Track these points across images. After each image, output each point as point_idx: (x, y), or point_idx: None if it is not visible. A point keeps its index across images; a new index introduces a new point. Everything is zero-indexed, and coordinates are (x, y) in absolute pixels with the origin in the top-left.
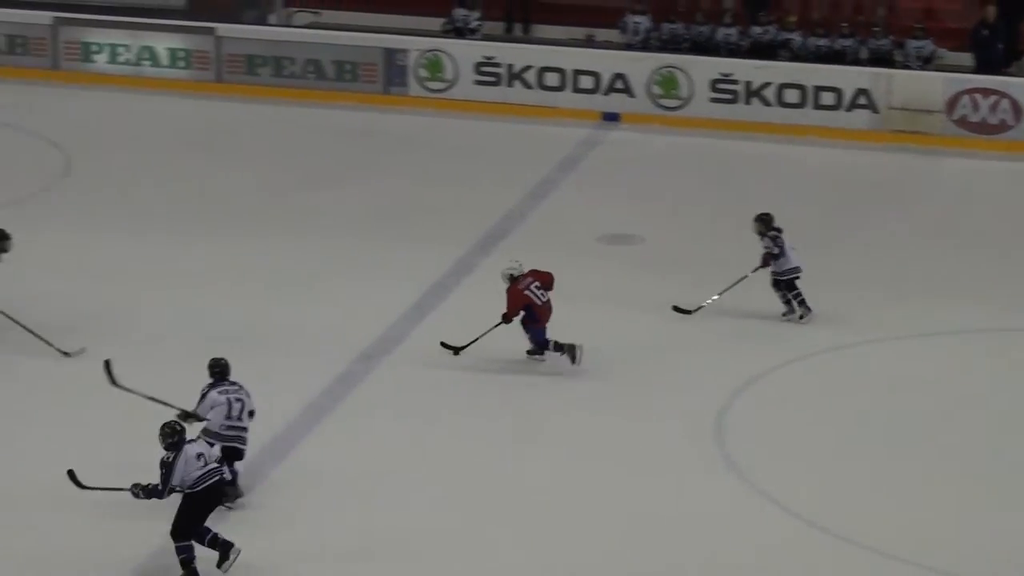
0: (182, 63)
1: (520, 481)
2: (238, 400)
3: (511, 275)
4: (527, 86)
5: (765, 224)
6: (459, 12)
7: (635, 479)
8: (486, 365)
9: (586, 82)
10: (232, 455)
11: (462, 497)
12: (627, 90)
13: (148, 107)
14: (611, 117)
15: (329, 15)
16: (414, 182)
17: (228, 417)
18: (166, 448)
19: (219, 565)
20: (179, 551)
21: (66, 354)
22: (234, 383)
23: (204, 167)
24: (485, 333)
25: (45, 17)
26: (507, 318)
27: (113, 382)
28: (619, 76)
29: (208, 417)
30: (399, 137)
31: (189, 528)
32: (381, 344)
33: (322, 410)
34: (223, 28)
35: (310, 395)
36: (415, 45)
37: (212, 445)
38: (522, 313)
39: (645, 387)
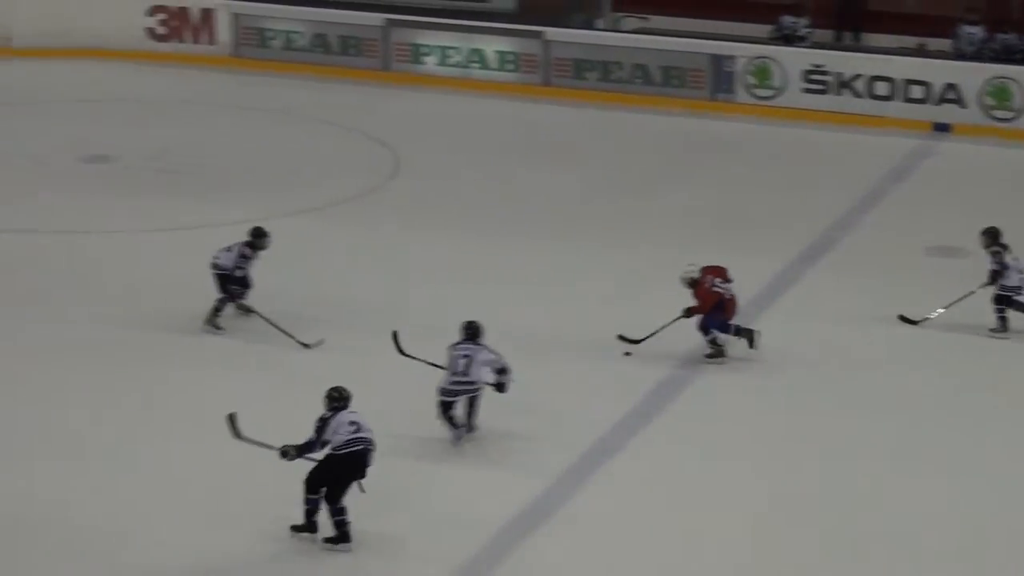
0: (510, 66)
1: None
2: (464, 356)
3: (692, 278)
4: (856, 95)
5: (990, 238)
6: (787, 19)
7: None
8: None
9: (917, 92)
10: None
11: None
12: (958, 101)
13: (475, 109)
14: (942, 128)
15: (657, 20)
16: (738, 189)
17: (454, 373)
18: (328, 409)
19: (326, 540)
20: (305, 502)
21: (306, 345)
22: (468, 343)
23: (528, 169)
24: (664, 327)
25: (377, 19)
26: (692, 312)
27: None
28: (951, 86)
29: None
30: (724, 144)
31: (318, 485)
32: (698, 351)
33: (640, 416)
34: (551, 32)
35: (631, 402)
36: (743, 52)
37: None
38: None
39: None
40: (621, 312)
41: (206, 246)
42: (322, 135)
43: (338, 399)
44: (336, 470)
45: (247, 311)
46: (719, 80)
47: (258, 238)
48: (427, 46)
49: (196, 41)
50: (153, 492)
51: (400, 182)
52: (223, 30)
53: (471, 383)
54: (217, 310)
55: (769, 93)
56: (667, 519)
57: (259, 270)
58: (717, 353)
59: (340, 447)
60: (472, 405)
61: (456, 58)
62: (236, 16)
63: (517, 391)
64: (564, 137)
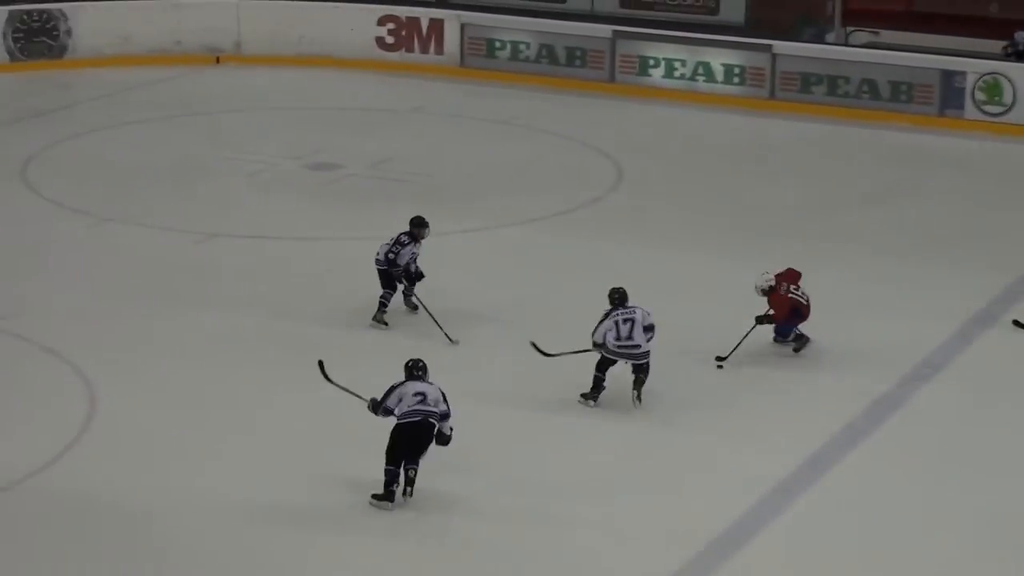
0: (736, 79)
1: None
2: (627, 321)
3: (769, 286)
4: None
5: None
6: (1020, 35)
7: None
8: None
9: None
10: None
11: None
12: None
13: (700, 122)
14: None
15: (887, 35)
16: (965, 206)
17: (618, 338)
18: (407, 378)
19: (373, 495)
20: (385, 473)
21: (454, 342)
22: (630, 307)
23: (751, 182)
24: (743, 339)
25: (604, 31)
26: (767, 320)
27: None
28: None
29: (601, 340)
30: (952, 160)
31: (393, 453)
32: (920, 369)
33: (859, 432)
34: (780, 46)
35: (848, 417)
36: (974, 68)
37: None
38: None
39: None
40: (842, 325)
41: (425, 255)
42: (546, 146)
43: (411, 368)
44: (396, 438)
45: (414, 307)
46: (948, 96)
47: (417, 227)
48: (654, 58)
49: (424, 51)
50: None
51: (622, 194)
52: (451, 40)
53: (635, 347)
54: (382, 306)
55: (999, 110)
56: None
57: (482, 280)
58: (801, 345)
59: (401, 417)
60: (637, 374)
61: (682, 71)
62: (464, 26)
63: (732, 401)
64: (788, 151)
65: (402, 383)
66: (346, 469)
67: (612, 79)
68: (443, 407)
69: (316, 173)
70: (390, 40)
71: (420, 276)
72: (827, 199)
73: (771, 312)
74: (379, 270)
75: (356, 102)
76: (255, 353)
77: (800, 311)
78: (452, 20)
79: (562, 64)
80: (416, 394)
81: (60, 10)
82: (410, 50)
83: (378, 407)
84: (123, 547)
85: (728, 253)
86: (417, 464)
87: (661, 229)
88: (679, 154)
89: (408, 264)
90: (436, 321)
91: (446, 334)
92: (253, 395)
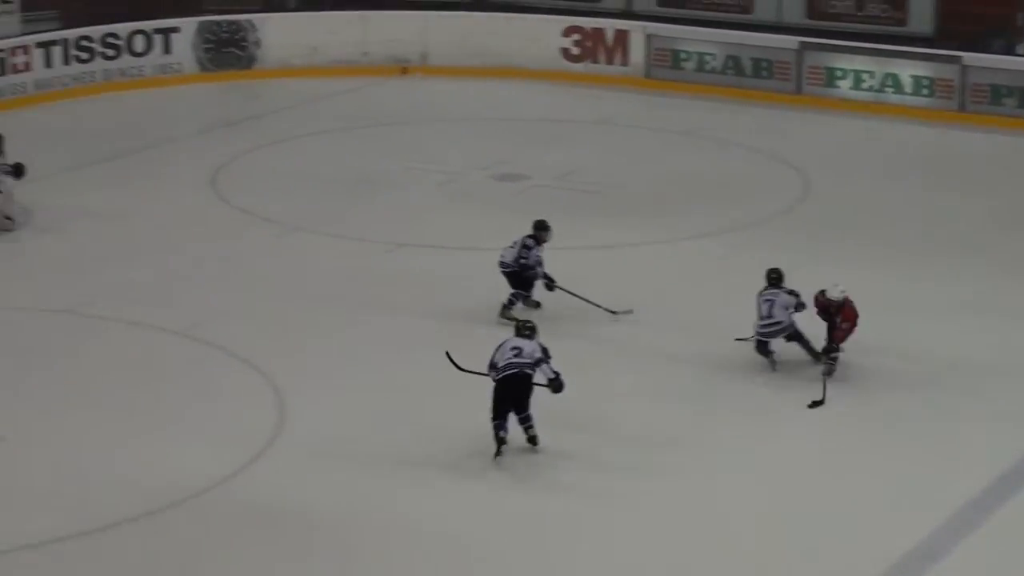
0: (925, 91)
1: None
2: (767, 301)
3: (844, 296)
4: None
5: None
6: None
7: None
8: None
9: None
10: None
11: None
12: None
13: (888, 134)
14: None
15: None
16: None
17: (761, 317)
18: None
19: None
20: (493, 427)
21: (614, 312)
22: (771, 289)
23: (939, 195)
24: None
25: (791, 42)
26: (846, 335)
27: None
28: None
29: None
30: None
31: (496, 408)
32: None
33: None
34: (969, 57)
35: None
36: None
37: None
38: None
39: None
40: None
41: (608, 266)
42: (731, 158)
43: (519, 328)
44: (497, 394)
45: (536, 305)
46: None
47: (540, 231)
48: (841, 70)
49: (609, 62)
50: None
51: (809, 206)
52: (636, 51)
53: (777, 323)
54: (508, 306)
55: None
56: None
57: (664, 292)
58: (830, 369)
59: (499, 372)
60: (798, 341)
61: (870, 82)
62: (650, 37)
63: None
64: (977, 164)
65: (506, 341)
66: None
67: (799, 91)
68: (537, 355)
69: (502, 184)
70: (575, 51)
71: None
72: (1018, 214)
73: (844, 325)
74: (505, 272)
75: (541, 113)
76: (442, 361)
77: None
78: (638, 31)
79: (748, 75)
80: (513, 348)
81: (249, 21)
82: (595, 61)
83: (489, 364)
84: (313, 555)
85: (916, 267)
86: (530, 418)
87: (847, 242)
88: (866, 166)
89: (538, 266)
90: (591, 301)
91: (606, 308)
92: (441, 404)
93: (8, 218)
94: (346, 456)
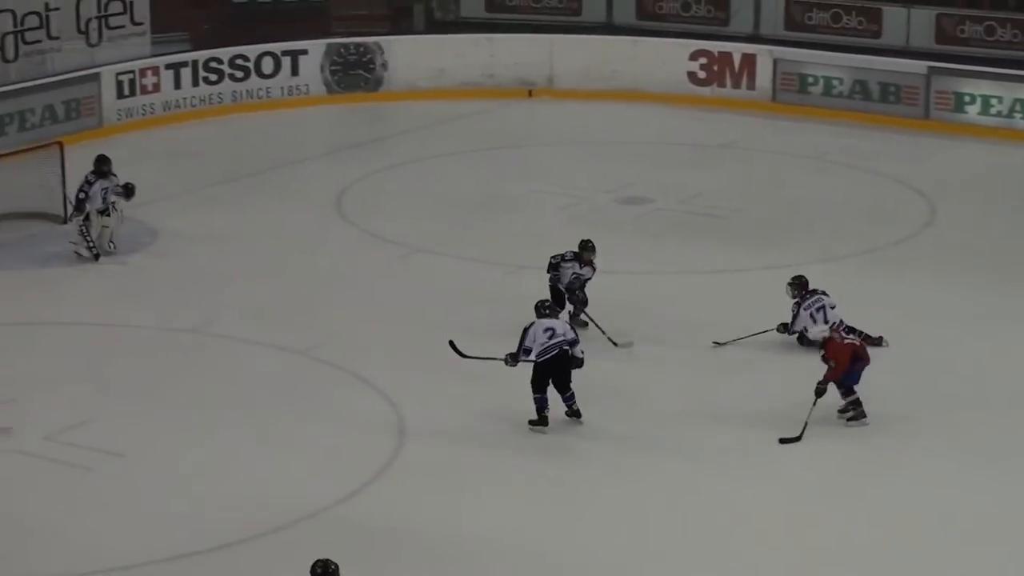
0: None
1: None
2: (819, 309)
3: (825, 336)
4: None
5: None
6: None
7: None
8: None
9: None
10: None
11: None
12: None
13: (1016, 160)
14: None
15: None
16: None
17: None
18: (537, 317)
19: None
20: (535, 401)
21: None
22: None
23: None
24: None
25: (919, 67)
26: (830, 378)
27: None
28: None
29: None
30: None
31: (539, 384)
32: None
33: None
34: None
35: None
36: None
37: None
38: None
39: None
40: None
41: (730, 290)
42: (858, 183)
43: (539, 307)
44: (540, 373)
45: (583, 324)
46: None
47: (582, 250)
48: (969, 95)
49: (736, 86)
50: None
51: (935, 231)
52: (763, 75)
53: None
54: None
55: None
56: None
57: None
58: (858, 415)
59: (540, 355)
60: None
61: (999, 107)
62: (777, 61)
63: None
64: None
65: (531, 324)
66: None
67: (926, 115)
68: (571, 335)
69: (626, 207)
70: (702, 75)
71: (584, 302)
72: None
73: (833, 364)
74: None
75: (667, 136)
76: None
77: (859, 355)
78: (764, 55)
79: (875, 100)
80: (546, 330)
81: (377, 43)
82: (722, 85)
83: (517, 356)
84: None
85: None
86: (572, 395)
87: (975, 269)
88: (995, 193)
89: (571, 284)
90: (598, 326)
91: (610, 339)
92: (563, 428)
93: (111, 242)
94: (464, 478)
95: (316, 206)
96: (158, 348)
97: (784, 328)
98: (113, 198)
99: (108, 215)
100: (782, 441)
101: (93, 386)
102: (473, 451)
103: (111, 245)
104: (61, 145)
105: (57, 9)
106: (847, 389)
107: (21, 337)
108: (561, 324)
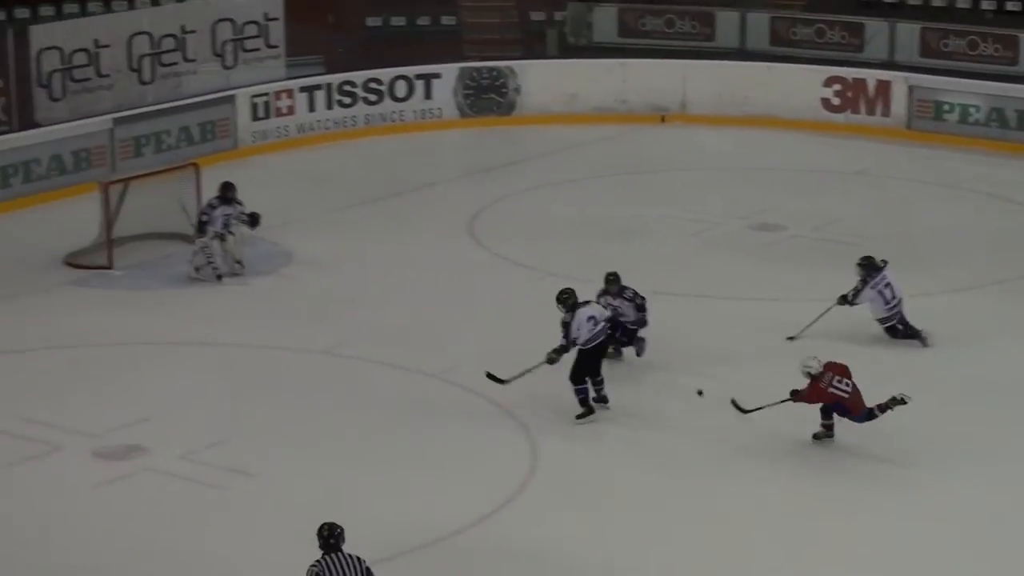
0: None
1: None
2: (887, 285)
3: (810, 373)
4: None
5: None
6: None
7: None
8: None
9: None
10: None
11: None
12: None
13: None
14: None
15: None
16: None
17: (886, 302)
18: (565, 311)
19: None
20: (576, 392)
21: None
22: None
23: None
24: (770, 405)
25: None
26: (798, 399)
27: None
28: None
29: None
30: None
31: (581, 376)
32: None
33: None
34: None
35: None
36: None
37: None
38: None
39: None
40: None
41: (858, 319)
42: (994, 212)
43: (568, 297)
44: (584, 360)
45: (616, 356)
46: None
47: (609, 283)
48: None
49: (870, 113)
50: None
51: None
52: (898, 102)
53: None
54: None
55: None
56: None
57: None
58: (825, 435)
59: (586, 343)
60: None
61: None
62: (912, 88)
63: None
64: None
65: (571, 316)
66: None
67: None
68: (607, 312)
69: (759, 233)
70: (836, 101)
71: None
72: None
73: (804, 393)
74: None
75: (800, 163)
76: (695, 404)
77: (843, 405)
78: (899, 82)
79: (1013, 128)
80: (589, 319)
81: (510, 68)
82: (856, 111)
83: (567, 347)
84: None
85: None
86: (603, 380)
87: None
88: None
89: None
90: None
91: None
92: (695, 448)
93: (238, 262)
94: (601, 502)
95: (448, 229)
96: (292, 369)
97: (844, 300)
98: (236, 223)
99: (225, 240)
100: (734, 404)
101: (227, 406)
102: (606, 472)
103: (239, 265)
104: (197, 166)
105: (193, 32)
106: (826, 414)
107: (156, 356)
108: (598, 309)
